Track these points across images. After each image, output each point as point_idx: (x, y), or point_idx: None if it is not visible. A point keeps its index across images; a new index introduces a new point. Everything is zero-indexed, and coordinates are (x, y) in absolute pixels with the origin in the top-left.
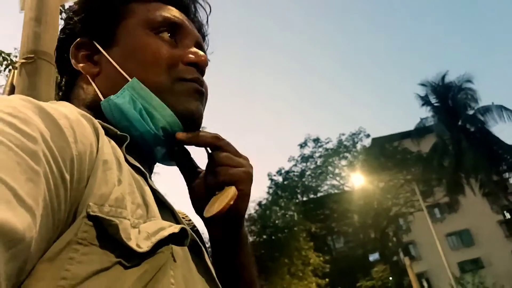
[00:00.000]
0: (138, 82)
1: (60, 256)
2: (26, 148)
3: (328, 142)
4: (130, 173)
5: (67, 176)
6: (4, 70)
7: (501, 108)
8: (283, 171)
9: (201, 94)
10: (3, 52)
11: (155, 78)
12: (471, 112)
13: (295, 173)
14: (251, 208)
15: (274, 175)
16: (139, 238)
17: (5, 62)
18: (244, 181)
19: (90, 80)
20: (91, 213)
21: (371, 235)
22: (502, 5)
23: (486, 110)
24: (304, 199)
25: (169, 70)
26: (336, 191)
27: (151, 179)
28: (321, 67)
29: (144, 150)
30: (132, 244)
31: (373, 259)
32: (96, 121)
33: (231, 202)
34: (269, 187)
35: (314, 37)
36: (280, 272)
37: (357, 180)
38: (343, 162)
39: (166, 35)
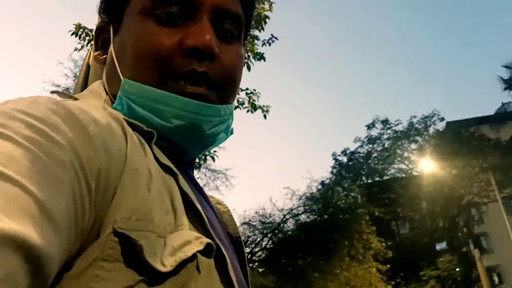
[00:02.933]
0: (128, 81)
1: (86, 273)
2: (55, 158)
3: (397, 124)
4: (159, 175)
5: (93, 186)
6: (87, 45)
7: None
8: (348, 152)
9: (194, 97)
10: (86, 28)
11: (142, 76)
12: None
13: (361, 154)
14: (313, 187)
15: (339, 155)
16: (164, 253)
17: (87, 38)
18: None
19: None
20: (118, 230)
21: (439, 223)
22: None
23: None
24: (369, 181)
25: (161, 65)
26: (403, 175)
27: (181, 173)
28: (394, 43)
29: (171, 145)
30: (156, 262)
31: (440, 249)
32: (125, 123)
33: None
34: (333, 167)
35: (388, 12)
36: (340, 253)
37: (427, 165)
38: (413, 146)
39: (169, 11)
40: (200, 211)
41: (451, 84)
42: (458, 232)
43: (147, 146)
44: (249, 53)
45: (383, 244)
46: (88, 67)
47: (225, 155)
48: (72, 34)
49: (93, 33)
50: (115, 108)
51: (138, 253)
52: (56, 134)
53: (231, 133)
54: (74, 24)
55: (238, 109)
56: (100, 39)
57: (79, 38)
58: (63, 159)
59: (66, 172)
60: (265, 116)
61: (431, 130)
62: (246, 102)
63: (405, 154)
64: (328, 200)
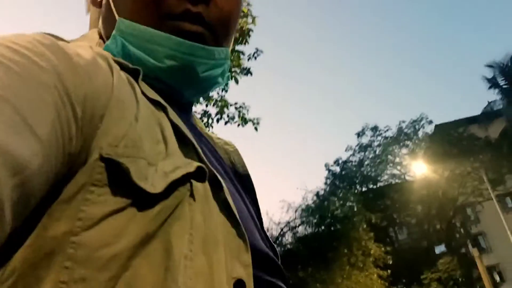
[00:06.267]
0: (123, 21)
1: (77, 197)
2: (38, 79)
3: (387, 130)
4: (148, 108)
5: (80, 113)
6: None
7: None
8: (340, 161)
9: (190, 35)
10: None
11: (138, 16)
12: None
13: (353, 163)
14: (309, 198)
15: (332, 165)
16: (155, 177)
17: None
18: None
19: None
20: (104, 155)
21: (436, 226)
22: None
23: None
24: (363, 189)
25: (155, 5)
26: (397, 180)
27: (175, 112)
28: (378, 50)
29: (164, 86)
30: (146, 185)
31: (439, 251)
32: (111, 60)
33: None
34: (327, 178)
35: (371, 19)
36: (340, 262)
37: (419, 169)
38: (404, 151)
39: None
40: (193, 141)
41: (437, 86)
42: (455, 233)
43: (134, 83)
44: (236, 68)
45: (382, 249)
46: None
47: None
48: None
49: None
50: (108, 47)
51: (127, 177)
52: (40, 60)
53: (228, 79)
54: None
55: (228, 123)
56: None
57: None
58: (47, 81)
59: (49, 93)
60: (256, 129)
61: (420, 134)
62: (236, 116)
63: (397, 160)
64: (324, 211)
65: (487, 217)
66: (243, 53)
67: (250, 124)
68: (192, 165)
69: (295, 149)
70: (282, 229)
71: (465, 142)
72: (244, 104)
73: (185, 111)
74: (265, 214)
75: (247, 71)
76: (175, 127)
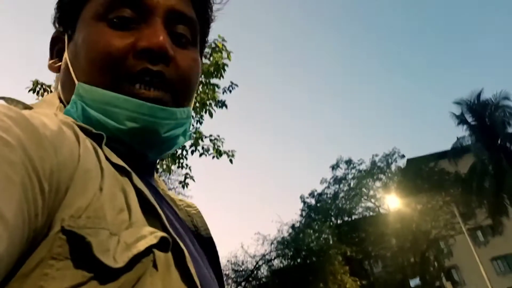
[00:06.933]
0: (82, 85)
1: (35, 272)
2: (5, 157)
3: (361, 164)
4: (112, 175)
5: (46, 187)
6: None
7: None
8: (315, 193)
9: (149, 101)
10: (44, 84)
11: (96, 80)
12: (511, 130)
13: (328, 195)
14: (284, 230)
15: (307, 197)
16: (117, 250)
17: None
18: None
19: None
20: (66, 227)
21: (410, 259)
22: None
23: None
24: (339, 221)
25: (113, 67)
26: (371, 213)
27: (139, 177)
28: (351, 86)
29: (126, 148)
30: (108, 259)
31: (414, 285)
32: (77, 127)
33: None
34: (302, 210)
35: (343, 54)
36: None
37: (392, 202)
38: (378, 184)
39: (121, 15)
40: (156, 208)
41: (409, 122)
42: (429, 267)
43: (98, 148)
44: (211, 101)
45: (358, 283)
46: None
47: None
48: (29, 91)
49: (51, 88)
50: (69, 111)
51: (88, 250)
52: (7, 135)
53: (190, 137)
54: (31, 81)
55: (203, 155)
56: (55, 48)
57: (37, 94)
58: (13, 159)
59: (16, 171)
60: (231, 161)
61: (393, 167)
62: (211, 149)
63: (371, 193)
64: (300, 243)
65: (460, 250)
66: (218, 86)
67: (225, 156)
68: (155, 236)
69: (271, 182)
70: (257, 262)
71: (436, 176)
72: (219, 136)
73: (148, 173)
74: (240, 247)
75: (222, 104)
76: (139, 193)
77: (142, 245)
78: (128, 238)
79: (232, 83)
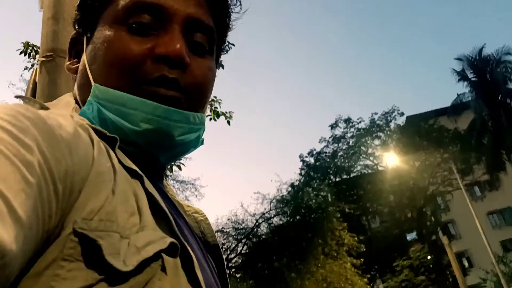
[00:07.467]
0: (98, 86)
1: (46, 272)
2: (22, 158)
3: (360, 122)
4: (125, 178)
5: (60, 188)
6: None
7: None
8: (314, 152)
9: (165, 99)
10: (35, 46)
11: (114, 83)
12: (511, 86)
13: (327, 154)
14: (283, 189)
15: (306, 157)
16: (127, 253)
17: (37, 56)
18: None
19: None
20: (78, 230)
21: (407, 214)
22: None
23: None
24: (337, 179)
25: (131, 71)
26: (369, 171)
27: (150, 181)
28: (350, 44)
29: (140, 151)
30: (118, 262)
31: (411, 239)
32: (91, 130)
33: None
34: (301, 169)
35: (345, 13)
36: (315, 252)
37: (391, 160)
38: (376, 142)
39: (141, 21)
40: (167, 212)
41: (409, 79)
42: (426, 222)
43: (111, 151)
44: None
45: (356, 239)
46: (34, 84)
47: (192, 165)
48: (21, 53)
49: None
50: (84, 112)
51: (99, 253)
52: (24, 136)
53: (202, 143)
54: (22, 43)
55: None
56: (73, 49)
57: (29, 56)
58: (31, 160)
59: (33, 173)
60: (229, 123)
61: (392, 125)
62: (208, 110)
63: (370, 151)
64: (298, 202)
65: (456, 205)
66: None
67: (222, 118)
68: (165, 241)
69: (270, 142)
70: (257, 220)
71: (435, 133)
72: (216, 97)
73: (159, 178)
74: (240, 206)
75: (219, 64)
76: (150, 197)
77: (151, 250)
78: (138, 241)
79: (228, 42)
